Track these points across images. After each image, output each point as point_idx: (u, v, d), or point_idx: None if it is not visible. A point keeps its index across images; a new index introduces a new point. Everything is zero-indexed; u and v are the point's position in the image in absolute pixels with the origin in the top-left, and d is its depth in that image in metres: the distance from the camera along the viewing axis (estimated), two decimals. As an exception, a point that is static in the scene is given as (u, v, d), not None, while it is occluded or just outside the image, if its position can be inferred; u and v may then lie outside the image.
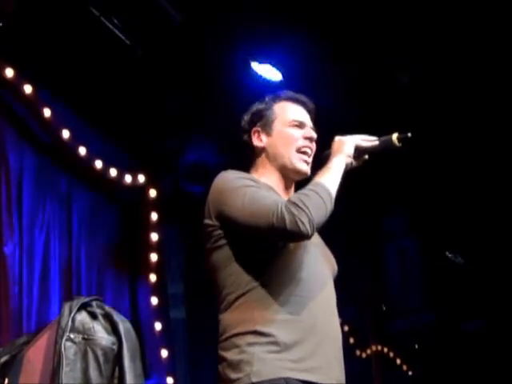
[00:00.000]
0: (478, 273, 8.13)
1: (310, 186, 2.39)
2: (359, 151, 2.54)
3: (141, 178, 5.91)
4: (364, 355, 8.35)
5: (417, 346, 8.89)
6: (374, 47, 5.47)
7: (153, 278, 5.86)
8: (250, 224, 2.32)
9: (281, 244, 2.37)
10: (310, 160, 2.61)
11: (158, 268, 5.91)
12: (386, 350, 8.66)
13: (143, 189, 5.97)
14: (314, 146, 2.62)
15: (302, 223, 2.25)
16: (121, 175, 5.75)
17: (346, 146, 2.52)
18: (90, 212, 5.57)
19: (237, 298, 2.36)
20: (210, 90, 5.67)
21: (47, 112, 5.13)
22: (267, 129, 2.62)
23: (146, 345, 5.52)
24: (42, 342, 3.10)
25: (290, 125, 2.61)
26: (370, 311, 8.44)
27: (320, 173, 2.47)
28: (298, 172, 2.58)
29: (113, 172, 5.66)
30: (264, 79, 5.59)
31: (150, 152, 5.94)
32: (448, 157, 6.53)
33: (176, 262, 6.14)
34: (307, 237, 2.30)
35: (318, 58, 5.49)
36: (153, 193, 5.99)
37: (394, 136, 2.49)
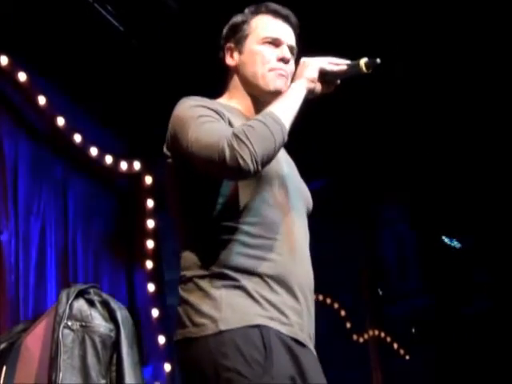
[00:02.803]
0: (475, 256, 8.15)
1: (258, 116, 2.11)
2: (325, 75, 2.25)
3: (136, 165, 5.90)
4: (361, 340, 8.35)
5: (414, 331, 8.91)
6: (368, 36, 5.45)
7: (149, 264, 5.85)
8: (195, 158, 2.09)
9: (235, 181, 2.11)
10: (287, 78, 2.29)
11: (154, 255, 5.91)
12: (383, 334, 8.67)
13: (139, 176, 5.95)
14: (289, 67, 2.31)
15: (242, 158, 1.98)
16: (116, 162, 5.74)
17: (307, 70, 2.23)
18: (85, 199, 5.56)
19: (198, 236, 2.12)
20: (205, 76, 5.65)
21: (42, 99, 5.11)
22: (239, 46, 2.35)
23: (143, 332, 5.52)
24: (40, 330, 3.10)
25: (262, 41, 2.32)
26: (367, 296, 8.45)
27: (274, 101, 2.18)
28: (272, 92, 2.26)
29: (108, 159, 5.65)
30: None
31: (146, 139, 5.93)
32: (444, 142, 6.53)
33: (172, 249, 6.12)
34: (249, 173, 2.01)
35: (310, 53, 5.46)
36: (148, 180, 5.98)
37: (362, 61, 2.22)
